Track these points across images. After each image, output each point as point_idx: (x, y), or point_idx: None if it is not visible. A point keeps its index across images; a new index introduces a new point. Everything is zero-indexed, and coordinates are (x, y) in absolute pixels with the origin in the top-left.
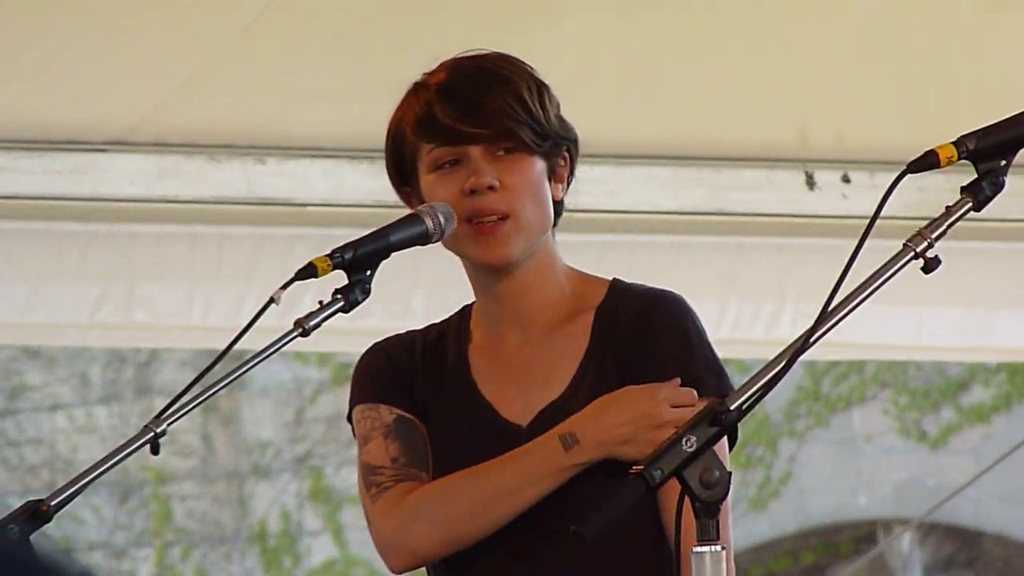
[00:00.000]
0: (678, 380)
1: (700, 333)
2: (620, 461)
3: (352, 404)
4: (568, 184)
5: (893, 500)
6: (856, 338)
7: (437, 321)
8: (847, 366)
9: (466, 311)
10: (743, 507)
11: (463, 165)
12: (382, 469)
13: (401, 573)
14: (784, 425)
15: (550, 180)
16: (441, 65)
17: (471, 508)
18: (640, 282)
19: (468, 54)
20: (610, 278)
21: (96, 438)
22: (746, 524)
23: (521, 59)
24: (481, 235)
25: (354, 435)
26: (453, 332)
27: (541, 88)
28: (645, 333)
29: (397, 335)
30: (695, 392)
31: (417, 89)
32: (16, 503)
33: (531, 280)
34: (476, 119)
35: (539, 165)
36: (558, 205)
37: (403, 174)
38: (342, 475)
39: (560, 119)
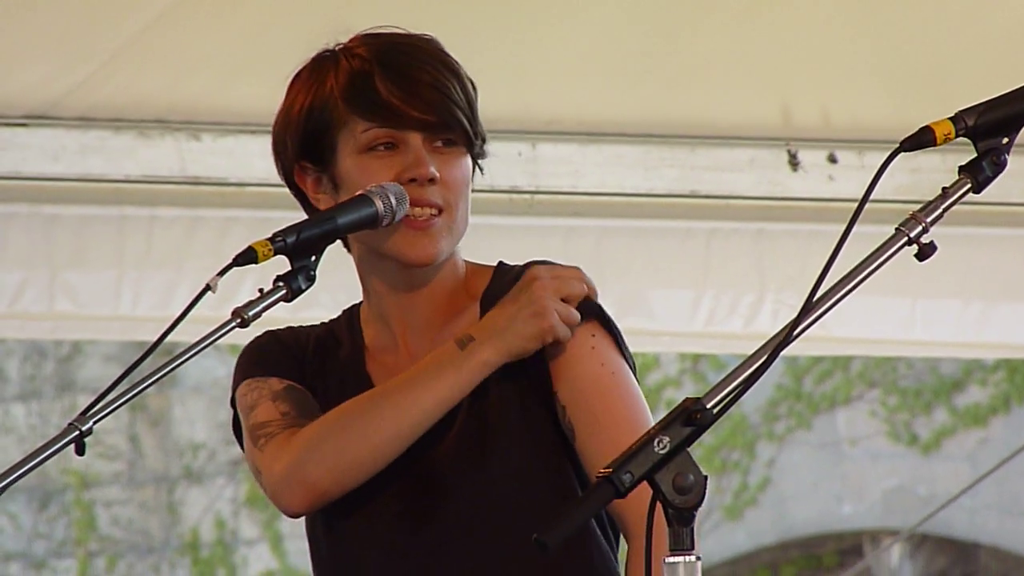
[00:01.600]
0: (577, 271)
1: None
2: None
3: (236, 383)
4: None
5: (881, 509)
6: (842, 332)
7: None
8: (831, 363)
9: (354, 311)
10: (718, 516)
11: (400, 151)
12: (270, 423)
13: (298, 515)
14: (763, 427)
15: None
16: (366, 37)
17: (367, 429)
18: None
19: (389, 30)
20: (495, 263)
21: (13, 438)
22: (721, 534)
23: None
24: (412, 230)
25: (237, 416)
26: (344, 330)
27: (471, 83)
28: None
29: (288, 327)
30: (578, 278)
31: (347, 58)
32: None
33: (439, 281)
34: (424, 104)
35: (469, 164)
36: None
37: (313, 147)
38: None
39: (476, 114)
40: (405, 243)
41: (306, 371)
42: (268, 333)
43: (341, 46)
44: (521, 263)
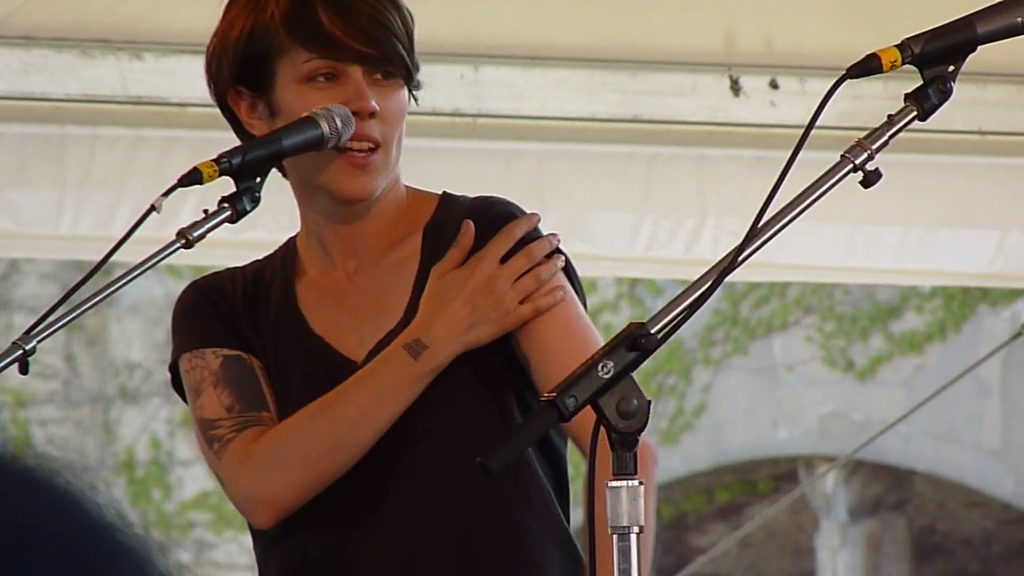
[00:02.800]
0: (506, 241)
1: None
2: (476, 351)
3: (175, 353)
4: None
5: (816, 435)
6: (779, 258)
7: (259, 258)
8: (768, 288)
9: (291, 244)
10: (653, 440)
11: (340, 83)
12: (219, 422)
13: (264, 524)
14: (699, 352)
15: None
16: None
17: (327, 443)
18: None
19: None
20: (439, 192)
21: None
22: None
23: None
24: (350, 166)
25: (180, 388)
26: (278, 266)
27: (409, 13)
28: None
29: (215, 272)
30: (535, 250)
31: None
32: None
33: (378, 211)
34: (365, 36)
35: (406, 96)
36: None
37: (250, 73)
38: None
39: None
40: (342, 178)
41: (240, 326)
42: (194, 289)
43: None
44: (468, 195)
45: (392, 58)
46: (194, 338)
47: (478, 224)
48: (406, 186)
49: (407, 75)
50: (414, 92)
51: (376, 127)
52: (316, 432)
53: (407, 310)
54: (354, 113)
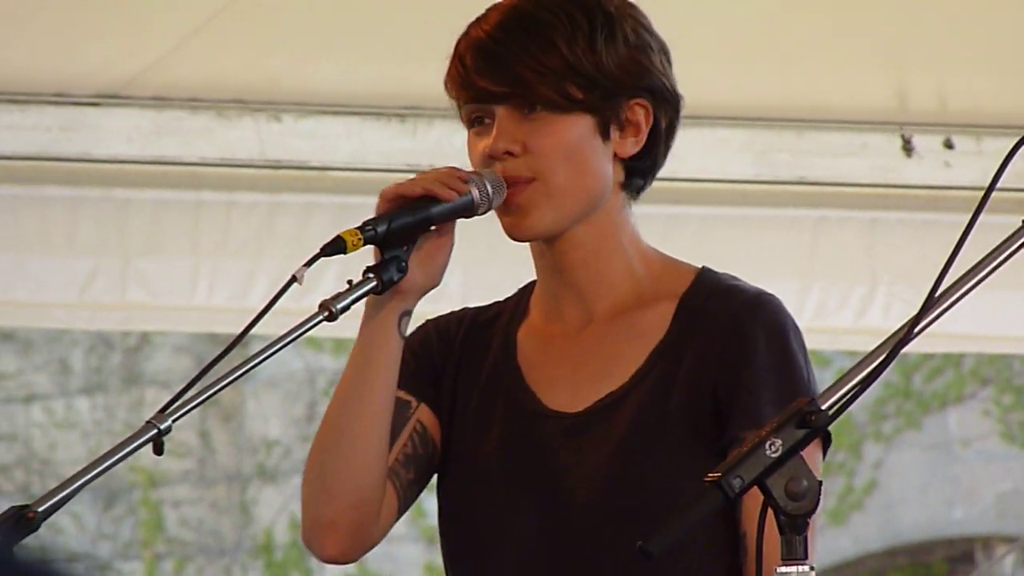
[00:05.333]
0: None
1: (802, 347)
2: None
3: None
4: (663, 138)
5: (995, 514)
6: (954, 327)
7: (502, 299)
8: (942, 359)
9: (528, 288)
10: (822, 520)
11: (488, 126)
12: None
13: (329, 556)
14: (869, 426)
15: (606, 136)
16: (492, 6)
17: (331, 427)
18: (726, 272)
19: None
20: (699, 265)
21: (77, 433)
22: (825, 539)
23: None
24: (505, 203)
25: None
26: (509, 311)
27: (599, 25)
28: (743, 339)
29: (451, 312)
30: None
31: (476, 22)
32: None
33: (588, 252)
34: (494, 75)
35: (581, 123)
36: (638, 161)
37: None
38: None
39: (632, 60)
40: (504, 217)
41: (447, 367)
42: (420, 328)
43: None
44: (728, 274)
45: (523, 93)
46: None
47: (742, 322)
48: (651, 247)
49: (560, 103)
50: (643, 102)
51: (521, 164)
52: (323, 424)
53: (636, 373)
54: (490, 156)
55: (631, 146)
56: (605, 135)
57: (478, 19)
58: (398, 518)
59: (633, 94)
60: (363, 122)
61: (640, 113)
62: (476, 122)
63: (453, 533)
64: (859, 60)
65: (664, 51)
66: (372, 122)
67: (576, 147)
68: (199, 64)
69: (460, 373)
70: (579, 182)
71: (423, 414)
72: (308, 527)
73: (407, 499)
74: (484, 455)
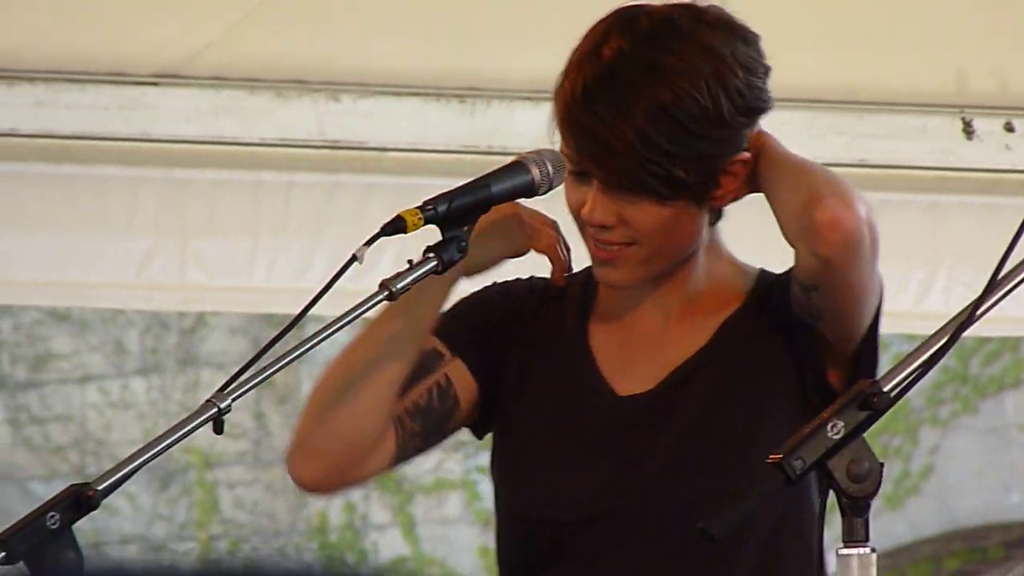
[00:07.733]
0: None
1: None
2: None
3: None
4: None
5: None
6: (1011, 311)
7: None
8: (999, 343)
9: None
10: (877, 504)
11: (587, 182)
12: None
13: (307, 482)
14: (926, 411)
15: (702, 203)
16: (606, 35)
17: (347, 367)
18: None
19: (637, 24)
20: (758, 268)
21: (133, 414)
22: (880, 524)
23: (716, 20)
24: (597, 257)
25: None
26: (579, 286)
27: (716, 91)
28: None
29: (518, 279)
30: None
31: (579, 66)
32: (40, 489)
33: (679, 278)
34: (594, 154)
35: (669, 210)
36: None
37: None
38: (416, 461)
39: (740, 120)
40: (596, 270)
41: (500, 336)
42: (495, 288)
43: (598, 38)
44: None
45: (623, 182)
46: (445, 336)
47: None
48: (731, 255)
49: (660, 193)
50: (743, 159)
51: (618, 234)
52: (334, 362)
53: (702, 350)
54: (586, 222)
55: (729, 199)
56: (703, 202)
57: (600, 44)
58: (391, 466)
59: (737, 151)
60: (422, 103)
61: (740, 168)
62: (579, 172)
63: (515, 482)
64: (919, 42)
65: (767, 71)
66: (431, 103)
67: (674, 221)
68: (258, 44)
69: (528, 342)
70: (675, 247)
71: (454, 370)
72: (295, 449)
73: (407, 449)
74: (552, 439)
